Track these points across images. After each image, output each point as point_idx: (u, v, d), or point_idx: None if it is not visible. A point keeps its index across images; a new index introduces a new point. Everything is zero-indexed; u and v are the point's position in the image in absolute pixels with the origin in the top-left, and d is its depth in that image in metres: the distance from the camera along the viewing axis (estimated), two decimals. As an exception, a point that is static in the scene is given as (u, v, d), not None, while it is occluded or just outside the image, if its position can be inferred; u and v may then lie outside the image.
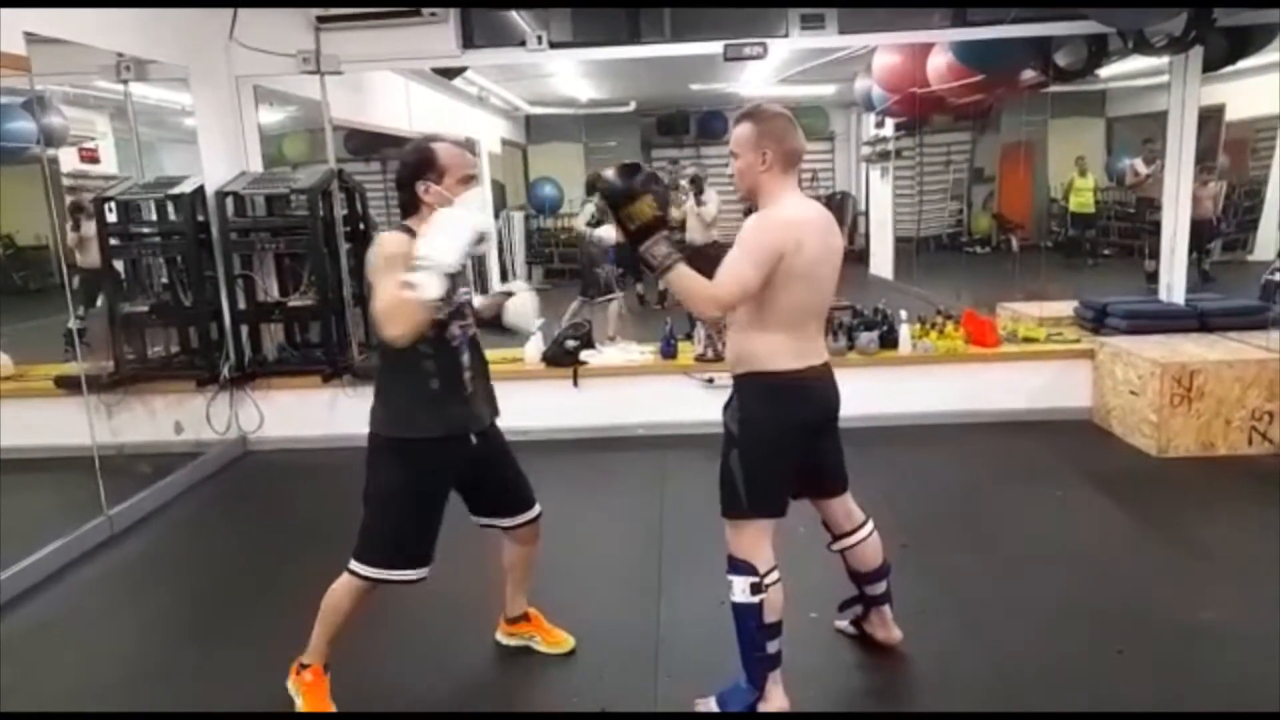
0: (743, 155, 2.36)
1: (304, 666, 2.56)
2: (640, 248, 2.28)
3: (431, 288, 2.12)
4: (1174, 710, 2.50)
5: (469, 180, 2.36)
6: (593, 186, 7.65)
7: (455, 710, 2.66)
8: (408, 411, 2.40)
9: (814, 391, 2.44)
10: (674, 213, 9.96)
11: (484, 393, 2.54)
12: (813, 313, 2.42)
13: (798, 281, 2.29)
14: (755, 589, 2.38)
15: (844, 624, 2.92)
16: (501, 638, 2.94)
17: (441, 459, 2.43)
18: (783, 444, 2.42)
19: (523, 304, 2.69)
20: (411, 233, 2.29)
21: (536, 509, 2.75)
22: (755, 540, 2.41)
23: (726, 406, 2.48)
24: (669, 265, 2.26)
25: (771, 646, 2.43)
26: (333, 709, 2.53)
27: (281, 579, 3.58)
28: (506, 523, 2.70)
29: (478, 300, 2.66)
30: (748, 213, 2.45)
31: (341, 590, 2.48)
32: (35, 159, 4.69)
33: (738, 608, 2.41)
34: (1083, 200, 9.94)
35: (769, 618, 2.40)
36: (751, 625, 2.40)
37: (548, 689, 2.72)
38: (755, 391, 2.40)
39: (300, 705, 2.54)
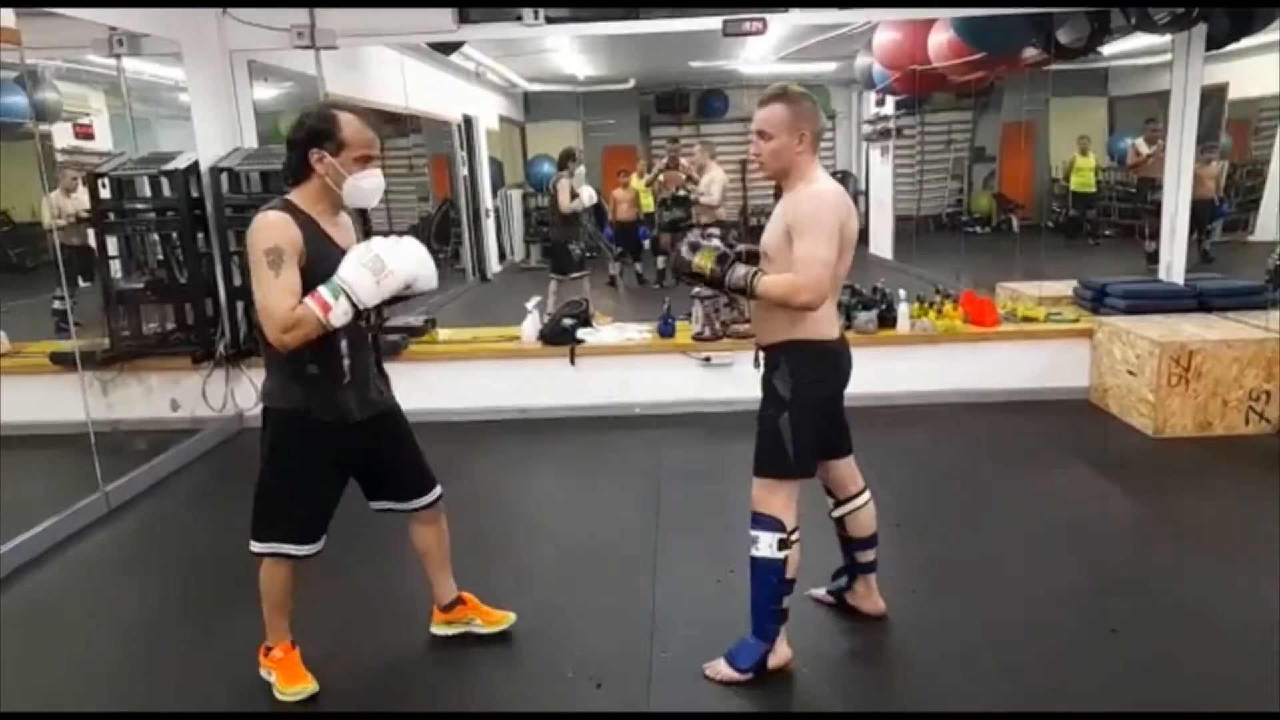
0: (777, 136, 2.42)
1: (269, 649, 2.57)
2: (725, 284, 2.44)
3: (340, 317, 2.15)
4: (1168, 692, 2.51)
5: (367, 160, 2.28)
6: (564, 161, 7.58)
7: (450, 689, 2.67)
8: (290, 387, 2.32)
9: (847, 356, 2.58)
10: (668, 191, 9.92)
11: (368, 379, 2.43)
12: (841, 281, 2.55)
13: (848, 249, 2.45)
14: (783, 544, 2.47)
15: (819, 593, 2.96)
16: (437, 629, 2.84)
17: (320, 437, 2.34)
18: (828, 406, 2.58)
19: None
20: (293, 210, 2.23)
21: (435, 493, 2.67)
22: (788, 499, 2.49)
23: (774, 371, 2.50)
24: (753, 280, 2.38)
25: (786, 601, 2.52)
26: (310, 680, 2.54)
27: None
28: (404, 506, 2.63)
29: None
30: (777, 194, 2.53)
31: (264, 572, 2.49)
32: (29, 135, 4.65)
33: (761, 562, 2.49)
34: (1084, 180, 9.90)
35: (790, 574, 2.50)
36: (774, 579, 2.48)
37: (540, 664, 2.72)
38: (807, 357, 2.48)
39: (276, 683, 2.54)
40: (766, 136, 2.43)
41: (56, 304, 4.55)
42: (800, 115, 2.41)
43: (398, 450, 2.60)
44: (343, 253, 2.24)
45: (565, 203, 7.31)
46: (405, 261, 2.22)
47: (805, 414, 2.48)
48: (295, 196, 2.29)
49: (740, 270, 2.41)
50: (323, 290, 2.14)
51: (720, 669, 2.56)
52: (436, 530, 2.73)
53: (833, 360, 2.52)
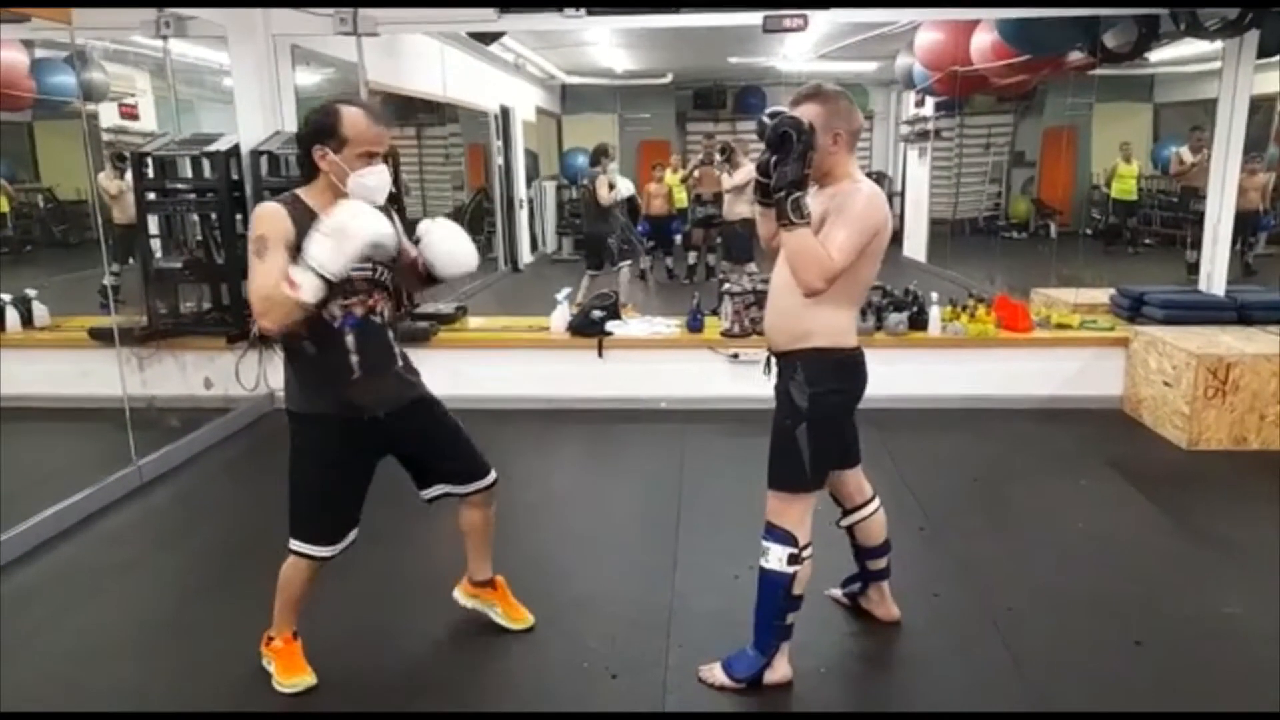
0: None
1: (271, 638, 2.60)
2: (796, 194, 2.16)
3: (310, 292, 2.09)
4: (1189, 708, 2.47)
5: (370, 156, 2.23)
6: (596, 157, 7.64)
7: (465, 676, 2.69)
8: (298, 387, 2.36)
9: (863, 365, 2.48)
10: (704, 188, 9.89)
11: (383, 373, 2.41)
12: (867, 289, 2.50)
13: (876, 257, 2.35)
14: (793, 560, 2.40)
15: (837, 593, 2.95)
16: (460, 596, 2.88)
17: (333, 437, 2.36)
18: (845, 418, 2.53)
19: (444, 239, 2.42)
20: (296, 203, 2.23)
21: (491, 476, 2.68)
22: (803, 513, 2.43)
23: (790, 379, 2.42)
24: (807, 222, 2.19)
25: (790, 618, 2.47)
26: (309, 672, 2.55)
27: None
28: (458, 490, 2.65)
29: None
30: None
31: (287, 565, 2.50)
32: (76, 113, 4.75)
33: (769, 574, 2.43)
34: (1126, 187, 9.77)
35: (797, 590, 2.44)
36: (780, 594, 2.43)
37: (557, 654, 2.73)
38: (826, 366, 2.39)
39: (274, 672, 2.56)
40: None
41: (109, 279, 4.66)
42: (835, 114, 2.31)
43: (439, 437, 2.58)
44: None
45: (604, 195, 7.41)
46: (363, 226, 2.12)
47: (825, 424, 2.41)
48: (302, 192, 2.27)
49: (803, 200, 2.18)
50: (291, 270, 2.11)
51: (716, 674, 2.53)
52: (484, 514, 2.74)
53: (851, 369, 2.44)
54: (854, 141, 2.37)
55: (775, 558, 2.41)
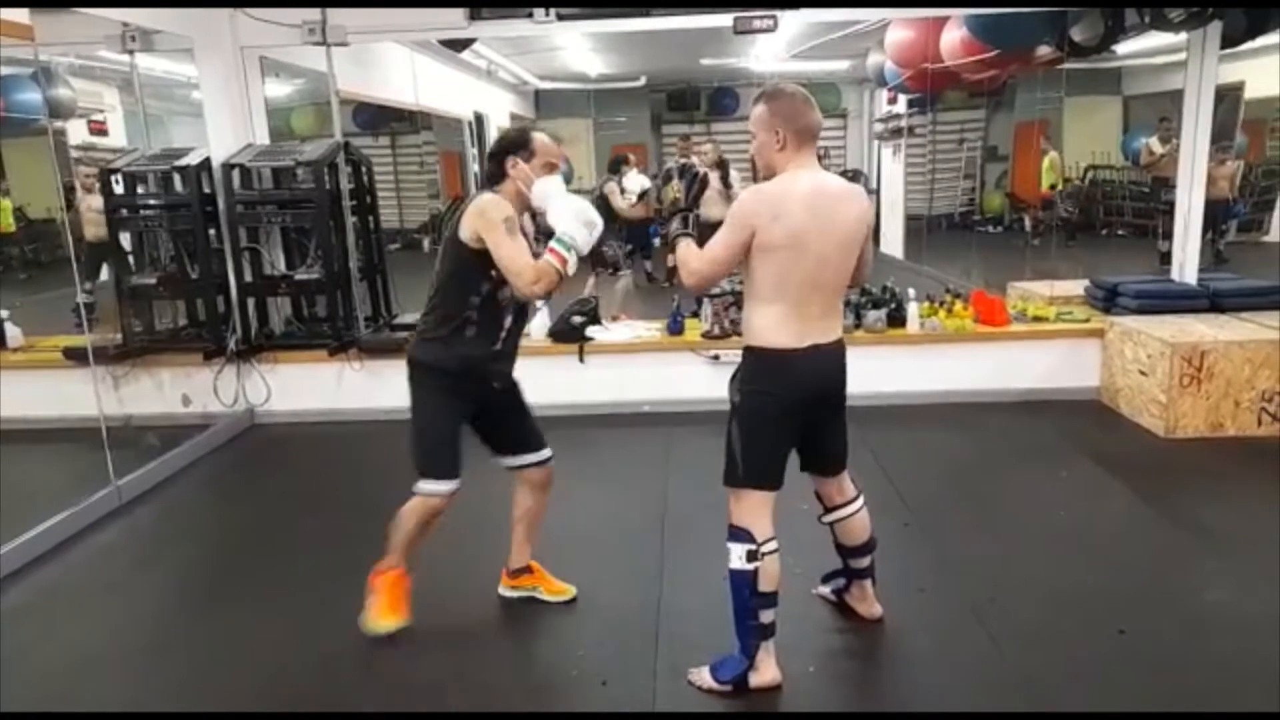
0: (758, 135, 2.42)
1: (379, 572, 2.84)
2: (665, 220, 2.63)
3: (572, 267, 2.53)
4: (1174, 695, 2.50)
5: (552, 168, 2.69)
6: (616, 166, 7.88)
7: (455, 686, 2.68)
8: (440, 346, 2.72)
9: (809, 371, 2.42)
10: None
11: (511, 354, 2.88)
12: (811, 286, 2.37)
13: (780, 252, 2.30)
14: (751, 556, 2.42)
15: (825, 590, 2.96)
16: (504, 590, 3.09)
17: (458, 391, 2.76)
18: (779, 419, 2.46)
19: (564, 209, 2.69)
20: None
21: (548, 451, 3.01)
22: (755, 510, 2.45)
23: (734, 377, 2.52)
24: (676, 237, 2.52)
25: (765, 616, 2.47)
26: (404, 610, 2.80)
27: (286, 549, 3.62)
28: (523, 459, 2.98)
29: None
30: None
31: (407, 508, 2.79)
32: (44, 131, 4.69)
33: (733, 574, 2.46)
34: (1049, 180, 9.93)
35: (763, 586, 2.43)
36: (745, 592, 2.44)
37: (548, 660, 2.73)
38: (754, 365, 2.45)
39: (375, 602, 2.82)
40: (752, 135, 2.44)
41: (82, 297, 4.62)
42: (775, 112, 2.35)
43: (515, 415, 3.00)
44: (527, 239, 2.70)
45: (619, 204, 7.56)
46: (597, 216, 2.63)
47: (751, 422, 2.44)
48: (499, 190, 2.67)
49: (676, 224, 2.55)
50: (556, 246, 2.51)
51: (704, 677, 2.54)
52: (542, 495, 3.03)
53: (782, 370, 2.39)
54: (800, 139, 2.36)
55: (735, 556, 2.44)
